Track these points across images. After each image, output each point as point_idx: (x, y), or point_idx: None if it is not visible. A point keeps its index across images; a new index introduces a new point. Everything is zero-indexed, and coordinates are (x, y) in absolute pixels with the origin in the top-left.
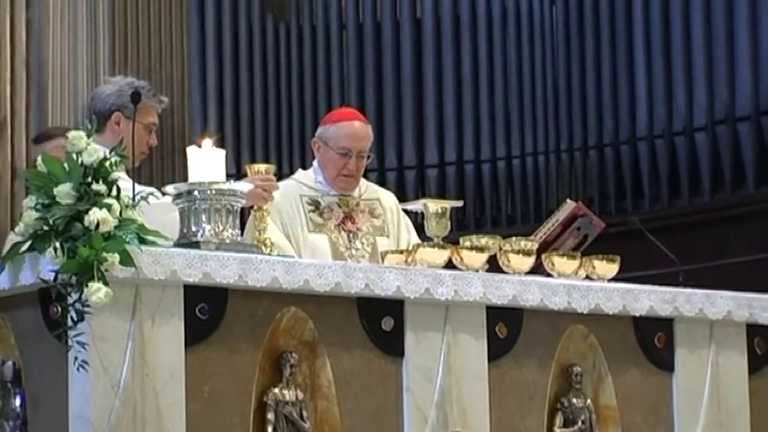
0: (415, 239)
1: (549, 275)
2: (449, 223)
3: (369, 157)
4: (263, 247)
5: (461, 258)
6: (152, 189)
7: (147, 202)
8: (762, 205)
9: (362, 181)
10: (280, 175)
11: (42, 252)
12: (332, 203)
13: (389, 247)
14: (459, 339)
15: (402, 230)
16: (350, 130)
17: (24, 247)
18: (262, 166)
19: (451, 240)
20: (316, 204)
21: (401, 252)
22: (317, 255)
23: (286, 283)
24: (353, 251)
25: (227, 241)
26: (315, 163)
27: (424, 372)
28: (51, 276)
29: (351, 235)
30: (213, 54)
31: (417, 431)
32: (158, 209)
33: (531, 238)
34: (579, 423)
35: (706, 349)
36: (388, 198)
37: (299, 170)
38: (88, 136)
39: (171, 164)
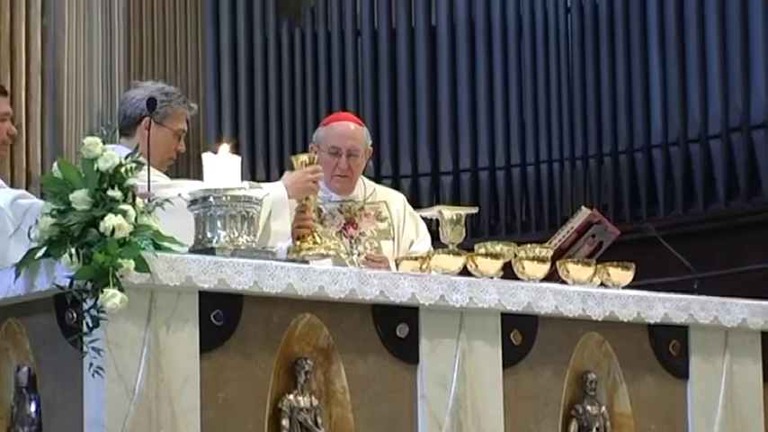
0: (423, 239)
1: (563, 282)
2: (463, 230)
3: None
4: (313, 238)
5: (476, 265)
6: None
7: (163, 208)
8: None
9: (370, 184)
10: None
11: (58, 258)
12: (333, 210)
13: (394, 250)
14: (473, 346)
15: (406, 231)
16: (339, 129)
17: (40, 253)
18: (305, 157)
19: (466, 247)
20: (318, 212)
21: (416, 259)
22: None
23: (301, 290)
24: (354, 257)
25: (243, 247)
26: None
27: (438, 379)
28: (67, 282)
29: (353, 240)
30: (228, 60)
31: None
32: (179, 212)
33: (546, 245)
34: (594, 430)
35: (721, 357)
36: (396, 199)
37: None
38: (104, 142)
39: (186, 171)
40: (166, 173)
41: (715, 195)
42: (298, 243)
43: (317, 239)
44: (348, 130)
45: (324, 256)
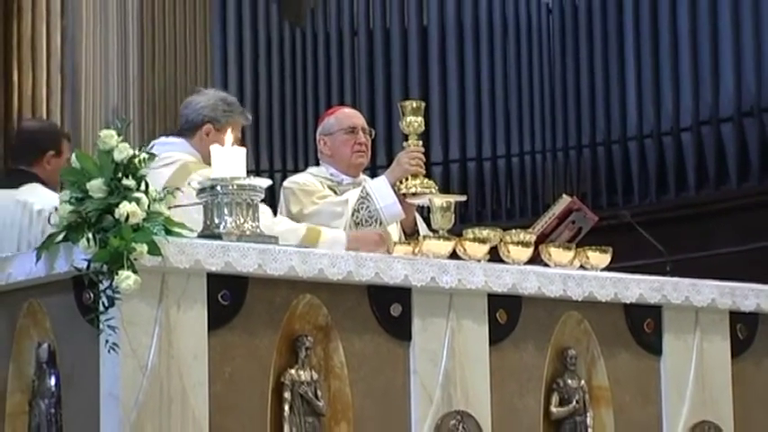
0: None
1: (546, 265)
2: (453, 216)
3: (371, 133)
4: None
5: (465, 249)
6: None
7: (173, 197)
8: (743, 200)
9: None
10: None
11: (76, 242)
12: (346, 192)
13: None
14: (462, 325)
15: None
16: (348, 111)
17: (59, 238)
18: (413, 103)
19: (455, 232)
20: (334, 192)
21: (408, 243)
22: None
23: (302, 272)
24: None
25: (248, 233)
26: (321, 163)
27: (429, 355)
28: (84, 265)
29: None
30: (234, 58)
31: (423, 410)
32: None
33: (530, 230)
34: (574, 402)
35: (692, 335)
36: None
37: (311, 167)
38: (118, 134)
39: None
40: None
41: (686, 184)
42: (408, 179)
43: (424, 181)
44: (355, 111)
45: (427, 194)
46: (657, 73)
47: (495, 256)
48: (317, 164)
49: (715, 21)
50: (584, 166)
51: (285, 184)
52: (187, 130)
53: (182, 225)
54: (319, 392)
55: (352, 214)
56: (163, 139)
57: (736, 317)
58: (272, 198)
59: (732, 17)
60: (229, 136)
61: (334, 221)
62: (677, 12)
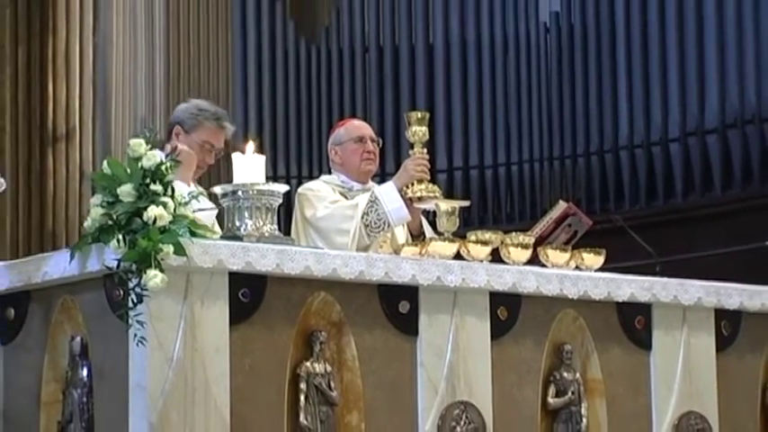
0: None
1: (543, 266)
2: (457, 220)
3: (378, 142)
4: (425, 184)
5: (468, 251)
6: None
7: (197, 200)
8: (727, 206)
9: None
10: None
11: (107, 243)
12: (355, 197)
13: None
14: (465, 321)
15: None
16: (357, 123)
17: (91, 239)
18: (417, 113)
19: (459, 235)
20: (344, 197)
21: (416, 245)
22: None
23: (317, 271)
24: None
25: (267, 235)
26: (333, 171)
27: (435, 349)
28: (115, 264)
29: None
30: (253, 72)
31: (429, 400)
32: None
33: (529, 233)
34: (569, 394)
35: (679, 331)
36: None
37: (323, 175)
38: (147, 143)
39: (217, 168)
40: (199, 180)
41: (673, 191)
42: (414, 184)
43: (429, 185)
44: (363, 122)
45: (432, 198)
46: (647, 88)
47: (496, 257)
48: (329, 172)
49: (701, 41)
50: (579, 173)
51: (299, 190)
52: (167, 136)
53: (205, 227)
54: (332, 383)
55: (362, 217)
56: None
57: (721, 314)
58: (288, 202)
59: (717, 38)
60: (251, 146)
61: (345, 224)
62: (666, 31)
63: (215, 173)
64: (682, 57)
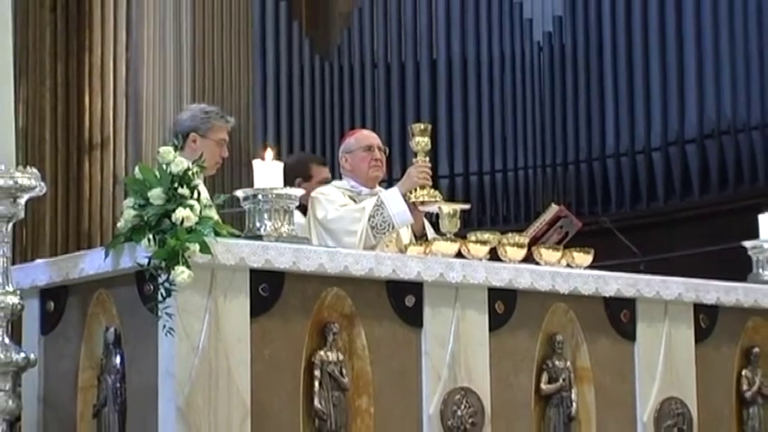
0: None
1: (537, 264)
2: (458, 222)
3: (385, 150)
4: (428, 190)
5: (468, 250)
6: None
7: (222, 206)
8: (705, 210)
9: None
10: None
11: (139, 242)
12: (363, 201)
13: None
14: (466, 314)
15: None
16: (366, 133)
17: (124, 238)
18: (420, 125)
19: (460, 235)
20: (353, 201)
21: (420, 245)
22: None
23: (330, 268)
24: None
25: (284, 235)
26: (343, 176)
27: (438, 339)
28: (145, 261)
29: None
30: (272, 87)
31: (433, 386)
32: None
33: (524, 234)
34: (561, 380)
35: (662, 323)
36: None
37: (335, 180)
38: (175, 150)
39: (239, 174)
40: (213, 177)
41: (656, 195)
42: (417, 189)
43: (430, 191)
44: (372, 132)
45: (433, 202)
46: (632, 101)
47: (494, 255)
48: (340, 178)
49: (681, 59)
50: (570, 179)
51: (312, 194)
52: (180, 144)
53: (228, 227)
54: (344, 371)
55: (369, 219)
56: None
57: (700, 308)
58: None
59: (696, 57)
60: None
61: (354, 225)
62: (649, 50)
63: (237, 178)
64: (663, 73)
